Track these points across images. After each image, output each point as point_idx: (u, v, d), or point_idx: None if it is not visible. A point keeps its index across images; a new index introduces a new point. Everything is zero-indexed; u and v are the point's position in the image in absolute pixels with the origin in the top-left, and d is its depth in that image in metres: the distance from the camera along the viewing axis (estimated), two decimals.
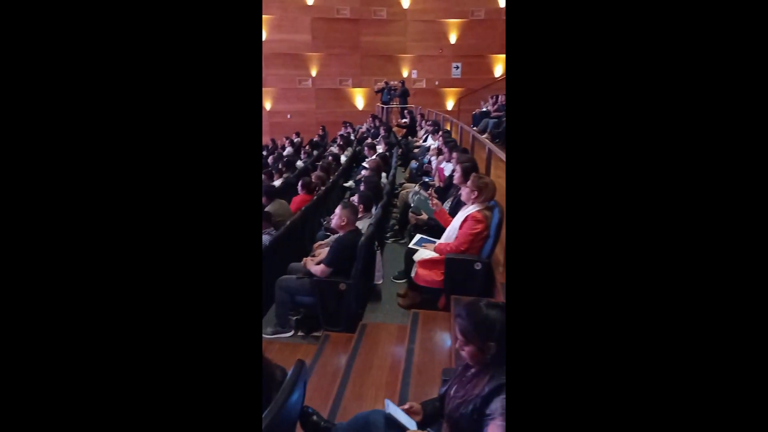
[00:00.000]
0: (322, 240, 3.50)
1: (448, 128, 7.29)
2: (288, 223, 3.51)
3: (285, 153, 8.70)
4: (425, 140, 7.15)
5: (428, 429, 1.42)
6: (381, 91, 11.16)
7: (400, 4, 12.63)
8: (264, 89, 12.52)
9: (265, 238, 3.21)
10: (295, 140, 10.46)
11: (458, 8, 12.58)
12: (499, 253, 2.77)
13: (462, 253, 2.65)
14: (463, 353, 1.26)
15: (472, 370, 1.28)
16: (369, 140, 7.23)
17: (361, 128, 10.09)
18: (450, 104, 13.13)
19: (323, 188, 4.65)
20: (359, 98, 13.18)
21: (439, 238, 2.94)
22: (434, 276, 2.72)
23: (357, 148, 7.62)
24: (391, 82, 11.21)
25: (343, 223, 2.82)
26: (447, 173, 4.33)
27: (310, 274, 2.78)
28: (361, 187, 3.83)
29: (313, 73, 12.82)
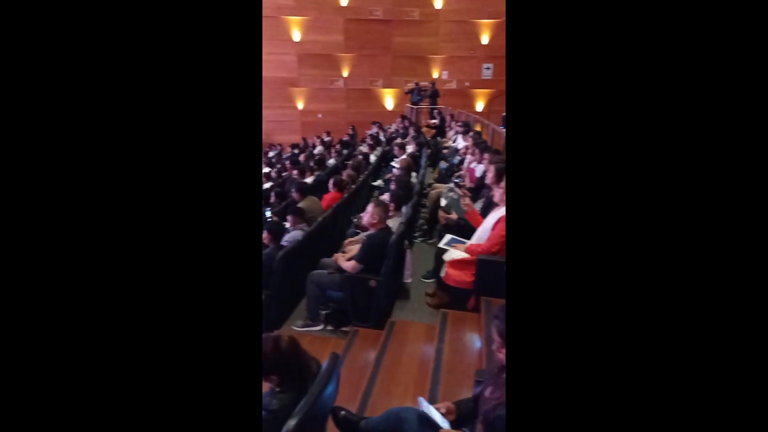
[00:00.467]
0: (352, 237, 3.53)
1: (478, 129, 7.22)
2: (320, 219, 3.56)
3: (315, 151, 8.81)
4: (455, 141, 7.10)
5: (463, 429, 1.41)
6: (411, 92, 11.15)
7: (432, 5, 12.58)
8: (297, 89, 12.74)
9: (298, 234, 3.26)
10: (326, 139, 10.58)
11: (491, 9, 12.41)
12: None
13: (493, 255, 2.62)
14: (501, 355, 1.25)
15: None
16: (399, 140, 7.24)
17: (390, 128, 10.11)
18: (480, 105, 12.99)
19: (353, 186, 4.69)
20: (389, 99, 13.20)
21: (468, 238, 2.92)
22: (464, 277, 2.70)
23: (386, 148, 7.64)
24: (422, 83, 11.18)
25: (374, 221, 2.84)
26: (478, 174, 4.29)
27: (341, 270, 2.81)
28: (392, 186, 3.84)
29: (345, 73, 12.91)
